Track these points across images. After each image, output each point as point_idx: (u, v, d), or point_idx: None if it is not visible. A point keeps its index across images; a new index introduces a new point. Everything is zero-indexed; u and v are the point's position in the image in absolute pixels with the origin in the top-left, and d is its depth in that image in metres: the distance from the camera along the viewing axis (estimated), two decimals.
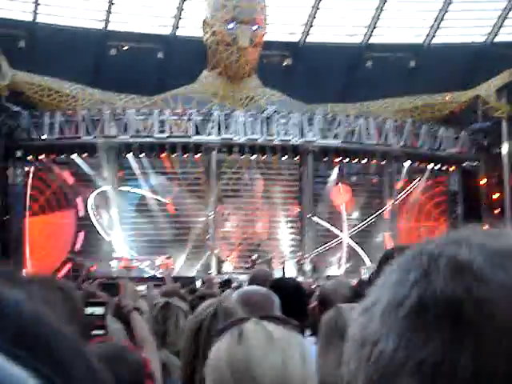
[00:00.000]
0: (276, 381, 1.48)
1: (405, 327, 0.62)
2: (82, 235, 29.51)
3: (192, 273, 27.57)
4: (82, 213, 29.40)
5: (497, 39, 36.82)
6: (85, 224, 29.38)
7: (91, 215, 29.15)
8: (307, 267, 27.76)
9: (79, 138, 28.39)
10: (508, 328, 0.58)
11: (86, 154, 28.90)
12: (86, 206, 29.39)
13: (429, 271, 0.63)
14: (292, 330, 1.60)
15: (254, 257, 27.73)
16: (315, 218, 29.59)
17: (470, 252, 0.63)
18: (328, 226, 30.04)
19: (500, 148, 31.35)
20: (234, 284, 15.28)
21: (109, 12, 34.84)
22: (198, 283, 20.30)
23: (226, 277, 22.86)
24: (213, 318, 2.57)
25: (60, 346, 0.54)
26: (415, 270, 0.64)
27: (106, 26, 35.35)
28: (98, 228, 29.15)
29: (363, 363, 0.64)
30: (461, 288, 0.60)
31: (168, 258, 27.06)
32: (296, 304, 3.81)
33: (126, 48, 34.88)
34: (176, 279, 20.64)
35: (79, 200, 29.69)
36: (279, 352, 1.50)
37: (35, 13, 34.09)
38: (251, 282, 5.00)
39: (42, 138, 28.42)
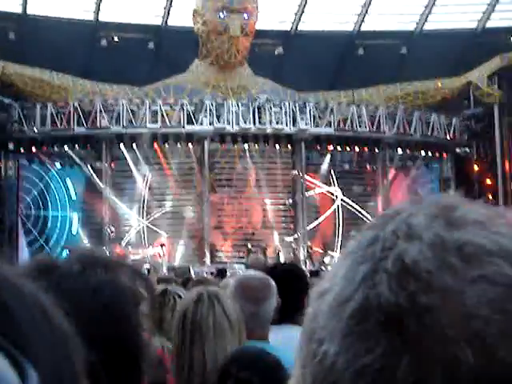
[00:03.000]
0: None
1: (348, 330, 0.60)
2: (75, 223, 29.72)
3: (186, 262, 27.60)
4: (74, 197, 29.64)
5: (488, 25, 36.82)
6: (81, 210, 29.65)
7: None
8: (303, 255, 27.84)
9: (72, 129, 28.30)
10: (446, 338, 0.57)
11: (77, 146, 28.87)
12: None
13: (377, 268, 0.61)
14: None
15: (249, 245, 27.79)
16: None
17: (421, 249, 0.60)
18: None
19: (492, 133, 31.41)
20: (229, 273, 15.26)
21: (99, 3, 34.68)
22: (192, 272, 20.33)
23: (220, 266, 22.91)
24: (196, 303, 2.61)
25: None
26: (366, 263, 0.62)
27: (97, 17, 35.22)
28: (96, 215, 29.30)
29: (310, 361, 0.63)
30: (404, 295, 0.59)
31: (161, 245, 27.09)
32: (295, 289, 3.83)
33: (116, 39, 34.76)
34: (170, 269, 20.71)
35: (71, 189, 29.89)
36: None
37: (25, 4, 33.92)
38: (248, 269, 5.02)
39: (34, 130, 28.33)
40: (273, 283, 3.60)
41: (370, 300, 0.60)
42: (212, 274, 17.99)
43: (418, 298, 0.58)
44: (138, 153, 29.07)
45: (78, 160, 29.04)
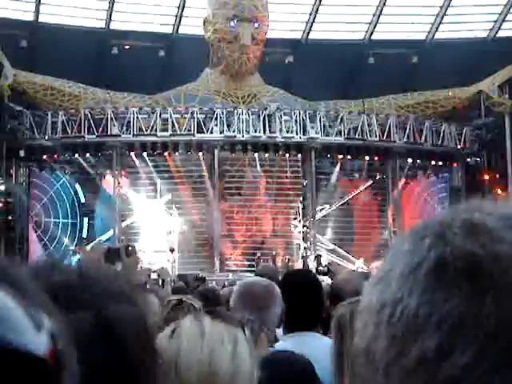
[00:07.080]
0: (201, 375, 1.54)
1: (426, 286, 0.64)
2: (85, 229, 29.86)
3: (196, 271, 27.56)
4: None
5: (499, 34, 36.75)
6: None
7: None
8: (312, 263, 27.74)
9: (82, 137, 28.36)
10: None
11: (88, 154, 28.92)
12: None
13: (443, 235, 0.66)
14: (235, 326, 1.67)
15: (258, 254, 27.73)
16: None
17: (482, 216, 0.66)
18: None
19: (503, 143, 31.27)
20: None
21: (110, 11, 34.84)
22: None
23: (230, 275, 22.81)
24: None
25: None
26: (429, 236, 0.67)
27: (108, 25, 35.36)
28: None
29: (384, 324, 0.66)
30: (478, 245, 0.64)
31: (171, 250, 27.07)
32: (310, 299, 3.75)
33: (127, 47, 34.87)
34: (180, 277, 20.68)
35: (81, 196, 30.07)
36: (207, 348, 1.57)
37: (37, 12, 34.11)
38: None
39: (45, 137, 28.41)
40: (277, 289, 3.53)
41: (445, 255, 0.65)
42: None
43: (492, 247, 0.64)
44: (148, 161, 29.10)
45: (88, 168, 29.15)
